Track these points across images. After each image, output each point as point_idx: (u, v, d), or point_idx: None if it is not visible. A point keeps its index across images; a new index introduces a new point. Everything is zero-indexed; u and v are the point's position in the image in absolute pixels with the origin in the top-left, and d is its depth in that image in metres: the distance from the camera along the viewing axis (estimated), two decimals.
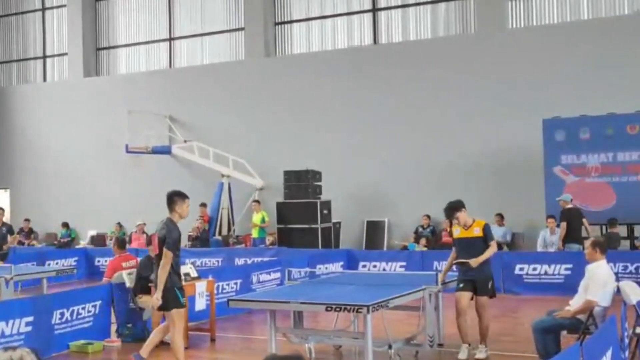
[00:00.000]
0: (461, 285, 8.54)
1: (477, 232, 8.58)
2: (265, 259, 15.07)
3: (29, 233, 22.99)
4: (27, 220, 23.08)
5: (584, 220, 14.13)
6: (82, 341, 9.36)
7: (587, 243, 7.83)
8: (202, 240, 19.39)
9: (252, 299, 8.68)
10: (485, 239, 8.56)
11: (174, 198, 7.69)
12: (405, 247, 17.85)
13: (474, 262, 8.37)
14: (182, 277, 8.07)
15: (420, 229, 18.48)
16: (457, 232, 8.74)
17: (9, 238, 14.55)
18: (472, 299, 8.53)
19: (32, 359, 2.51)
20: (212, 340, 9.83)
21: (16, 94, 25.56)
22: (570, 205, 14.14)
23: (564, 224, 13.92)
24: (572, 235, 13.89)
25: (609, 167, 15.46)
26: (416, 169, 19.01)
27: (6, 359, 2.44)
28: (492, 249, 8.57)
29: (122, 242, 11.64)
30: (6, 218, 25.26)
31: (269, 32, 21.60)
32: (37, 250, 19.41)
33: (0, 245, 14.28)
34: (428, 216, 18.50)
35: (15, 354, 2.44)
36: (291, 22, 21.60)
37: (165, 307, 7.57)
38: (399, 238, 18.98)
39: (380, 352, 7.83)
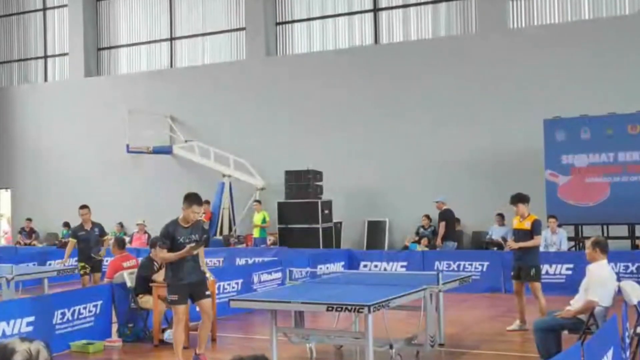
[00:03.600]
0: (512, 273, 10.00)
1: (527, 225, 9.77)
2: (266, 259, 15.06)
3: (31, 233, 23.02)
4: (28, 220, 23.11)
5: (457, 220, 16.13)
6: (83, 341, 9.36)
7: (588, 243, 7.80)
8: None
9: (253, 298, 8.69)
10: (532, 232, 9.71)
11: (184, 203, 8.06)
12: (406, 247, 17.85)
13: (513, 244, 9.78)
14: (188, 274, 8.02)
15: (422, 229, 18.48)
16: (515, 223, 10.00)
17: (103, 240, 12.37)
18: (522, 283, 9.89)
19: (47, 354, 2.50)
20: (213, 340, 9.82)
21: (17, 94, 25.57)
22: (446, 207, 15.55)
23: (443, 224, 15.41)
24: (449, 234, 15.48)
25: (610, 167, 15.46)
26: (417, 169, 19.01)
27: (24, 349, 2.42)
28: (534, 241, 9.74)
29: (121, 242, 11.61)
30: (7, 218, 25.50)
31: (270, 32, 21.60)
32: (38, 250, 19.40)
33: (95, 251, 12.09)
34: (428, 216, 18.49)
35: (33, 347, 2.43)
36: (292, 22, 21.60)
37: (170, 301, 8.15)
38: (400, 238, 18.99)
39: (381, 352, 7.83)
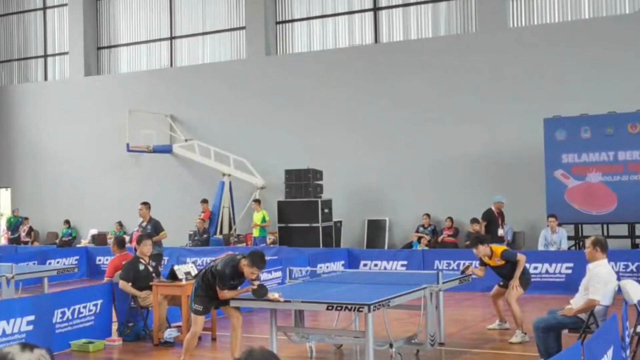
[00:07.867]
0: (500, 282, 9.89)
1: (498, 261, 9.63)
2: (266, 258, 15.02)
3: (29, 232, 23.02)
4: (25, 219, 23.10)
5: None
6: (83, 340, 9.36)
7: (587, 242, 7.79)
8: (202, 239, 19.41)
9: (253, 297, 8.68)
10: (510, 262, 9.56)
11: (248, 257, 7.80)
12: (410, 245, 17.86)
13: (515, 283, 9.47)
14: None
15: (422, 229, 18.48)
16: (486, 260, 9.79)
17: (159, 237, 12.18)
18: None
19: None
20: (213, 339, 9.83)
21: (17, 93, 25.57)
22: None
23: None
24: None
25: (610, 167, 15.45)
26: (417, 168, 19.01)
27: None
28: (520, 264, 9.53)
29: (120, 242, 11.57)
30: (6, 217, 25.44)
31: (270, 31, 21.60)
32: (38, 249, 19.40)
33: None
34: (428, 215, 18.50)
35: (33, 356, 2.36)
36: (292, 21, 21.60)
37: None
38: (400, 237, 19.01)
39: (381, 351, 7.83)
